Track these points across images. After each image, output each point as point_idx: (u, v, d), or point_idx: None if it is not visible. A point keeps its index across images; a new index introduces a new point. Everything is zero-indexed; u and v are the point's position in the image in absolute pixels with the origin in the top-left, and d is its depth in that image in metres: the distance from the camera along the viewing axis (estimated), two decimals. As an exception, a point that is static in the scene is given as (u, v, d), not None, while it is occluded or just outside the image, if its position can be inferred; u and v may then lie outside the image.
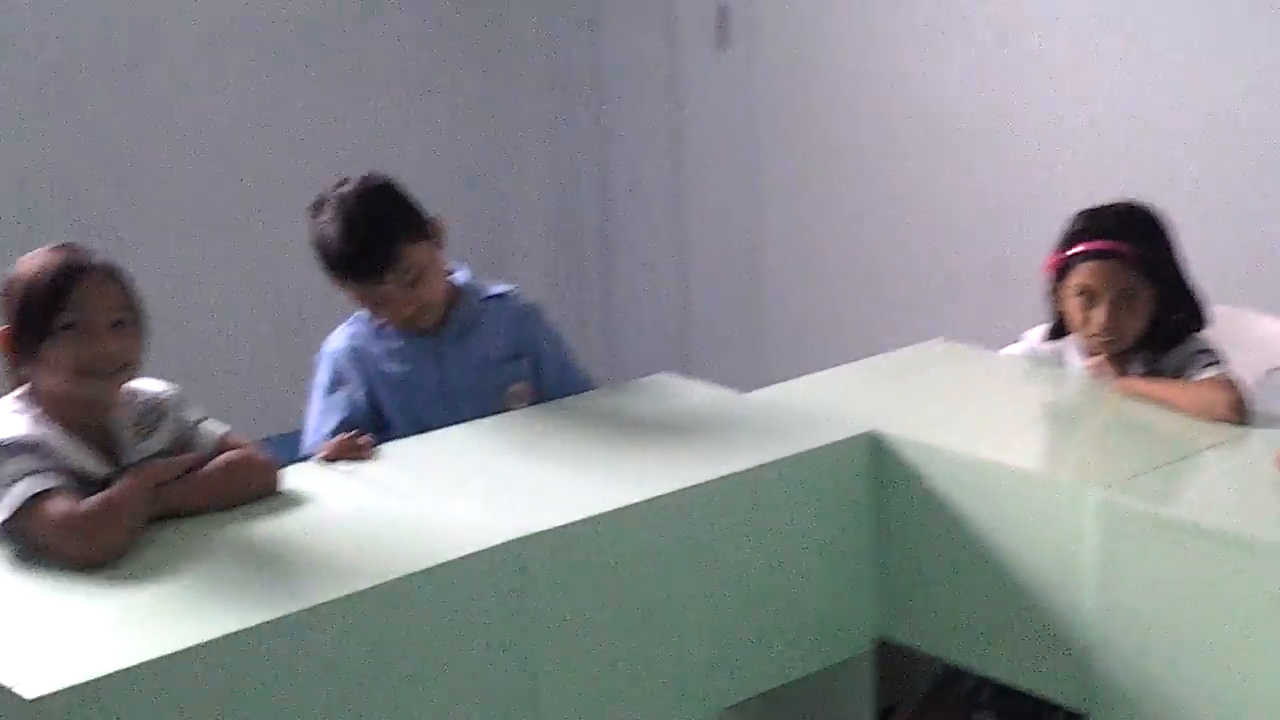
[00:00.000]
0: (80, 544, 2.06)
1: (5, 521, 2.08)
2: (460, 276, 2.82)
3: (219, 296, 4.43)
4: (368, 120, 4.70)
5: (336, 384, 2.76)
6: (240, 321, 4.49)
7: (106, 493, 2.13)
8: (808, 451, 2.52)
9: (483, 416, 2.68)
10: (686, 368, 4.96)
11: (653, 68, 4.86)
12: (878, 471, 2.58)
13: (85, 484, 2.14)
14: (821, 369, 2.96)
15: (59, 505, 2.09)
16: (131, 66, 4.23)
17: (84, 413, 2.20)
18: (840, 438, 2.56)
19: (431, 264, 2.71)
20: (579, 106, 5.07)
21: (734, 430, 2.63)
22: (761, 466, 2.45)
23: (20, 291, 2.18)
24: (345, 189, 2.66)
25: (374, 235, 2.63)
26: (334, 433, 2.62)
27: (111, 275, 2.22)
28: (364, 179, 2.69)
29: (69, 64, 4.12)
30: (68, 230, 4.02)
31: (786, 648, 2.54)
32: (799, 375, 2.91)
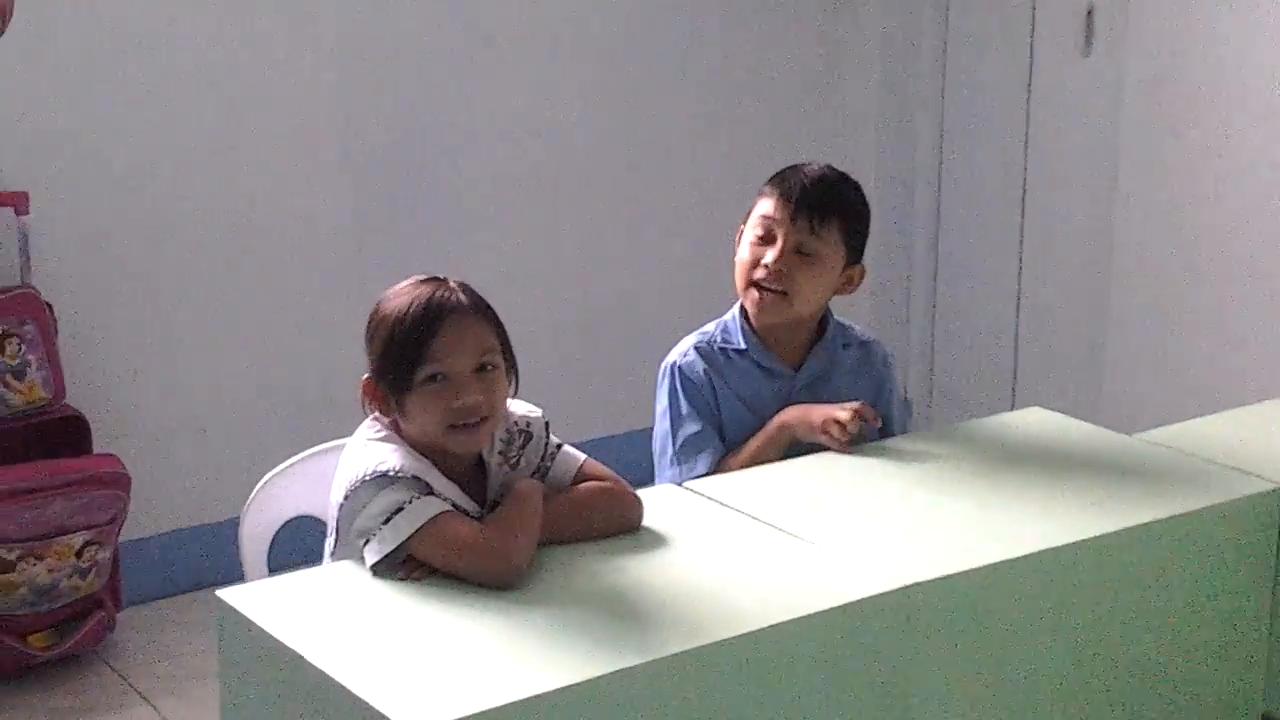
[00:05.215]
0: (493, 564, 1.98)
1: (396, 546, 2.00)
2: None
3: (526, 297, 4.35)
4: (690, 114, 4.60)
5: (699, 409, 2.57)
6: (551, 324, 4.42)
7: (506, 511, 2.06)
8: (1213, 506, 2.31)
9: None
10: (1013, 398, 4.75)
11: (1007, 69, 4.63)
12: (1284, 531, 2.36)
13: None
14: (1169, 412, 2.74)
15: (462, 526, 2.01)
16: (460, 63, 4.20)
17: (453, 456, 2.12)
18: (1249, 492, 2.35)
19: (824, 259, 2.56)
20: (920, 103, 4.86)
21: (1127, 476, 2.42)
22: (1167, 520, 2.25)
23: (383, 337, 2.09)
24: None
25: (834, 184, 2.58)
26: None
27: (477, 312, 2.11)
28: None
29: (399, 62, 4.12)
30: (392, 227, 4.15)
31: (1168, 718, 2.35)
32: (1139, 417, 2.69)
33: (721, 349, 2.61)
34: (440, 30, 4.14)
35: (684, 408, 2.58)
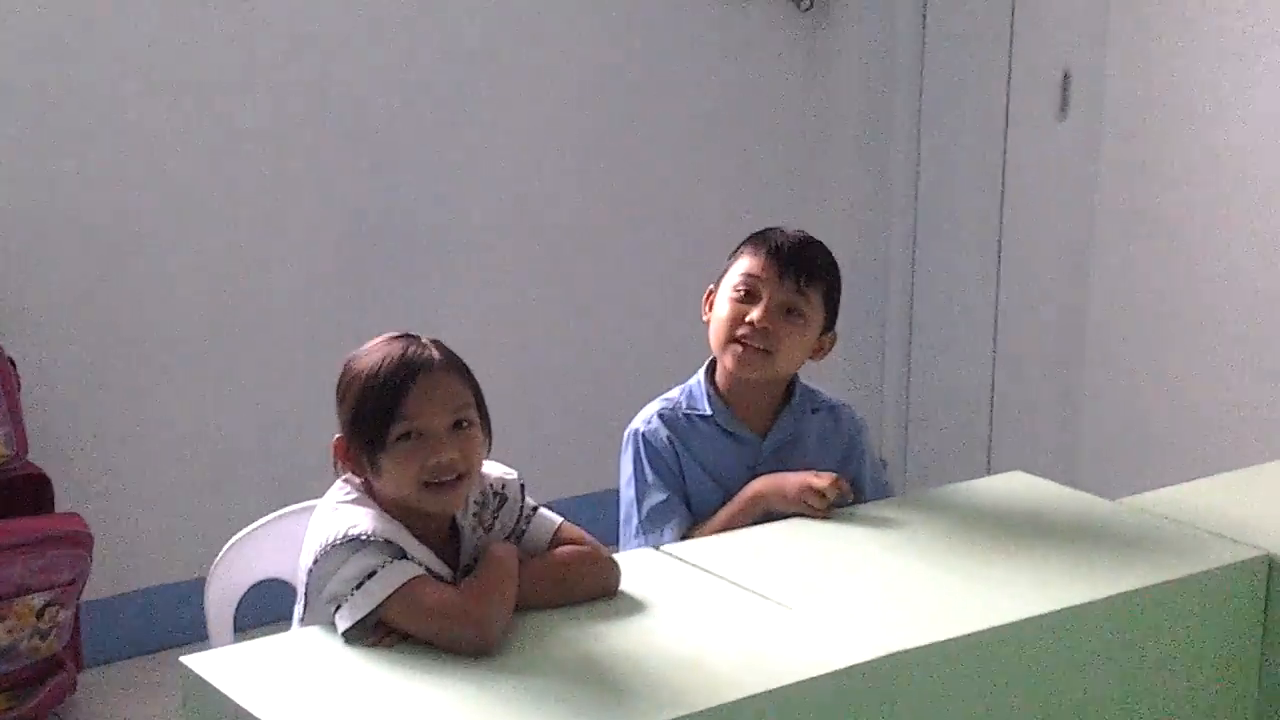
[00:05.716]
0: (467, 630, 1.93)
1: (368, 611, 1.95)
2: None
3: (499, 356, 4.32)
4: (668, 179, 4.59)
5: (664, 477, 2.52)
6: (525, 383, 4.38)
7: (481, 576, 2.01)
8: (1198, 574, 2.28)
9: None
10: (988, 462, 4.71)
11: (982, 134, 4.62)
12: (1270, 600, 2.32)
13: None
14: (1146, 476, 2.70)
15: (436, 591, 1.97)
16: (440, 127, 4.18)
17: (426, 518, 2.07)
18: (1234, 559, 2.31)
19: (808, 319, 2.53)
20: (895, 167, 4.85)
21: (1110, 542, 2.39)
22: (1152, 587, 2.22)
23: (355, 395, 2.05)
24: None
25: (816, 247, 2.56)
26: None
27: (450, 369, 2.07)
28: None
29: (380, 125, 4.09)
30: (364, 285, 4.12)
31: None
32: (1113, 483, 2.66)
33: (686, 415, 2.56)
34: (418, 97, 4.12)
35: (649, 476, 2.52)
